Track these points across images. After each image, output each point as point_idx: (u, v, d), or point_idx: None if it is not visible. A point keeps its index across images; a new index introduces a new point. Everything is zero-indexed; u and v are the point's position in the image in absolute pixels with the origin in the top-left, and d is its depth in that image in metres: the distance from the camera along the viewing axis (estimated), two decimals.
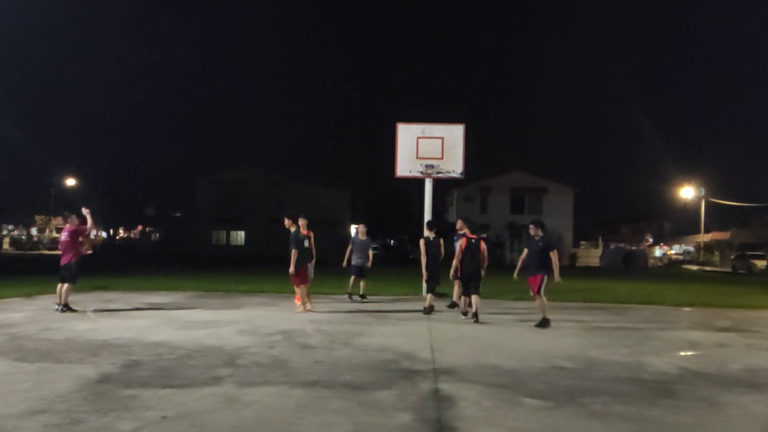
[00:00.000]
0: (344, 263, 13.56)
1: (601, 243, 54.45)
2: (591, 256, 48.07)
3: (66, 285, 10.30)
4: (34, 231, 66.78)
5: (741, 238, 48.98)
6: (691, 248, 60.33)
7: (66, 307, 10.20)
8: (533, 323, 9.40)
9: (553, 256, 9.20)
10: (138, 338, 7.68)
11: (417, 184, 15.48)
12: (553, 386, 5.54)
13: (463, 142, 14.26)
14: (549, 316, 9.34)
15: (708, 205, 51.90)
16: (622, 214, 79.75)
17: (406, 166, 14.35)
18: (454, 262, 10.36)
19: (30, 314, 9.94)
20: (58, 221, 59.99)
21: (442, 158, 14.18)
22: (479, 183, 47.40)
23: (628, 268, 38.41)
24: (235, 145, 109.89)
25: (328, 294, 14.07)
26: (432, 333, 8.66)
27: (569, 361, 6.73)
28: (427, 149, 14.19)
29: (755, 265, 38.12)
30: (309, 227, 11.73)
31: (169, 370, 5.90)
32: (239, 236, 50.93)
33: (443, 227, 12.70)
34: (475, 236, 10.33)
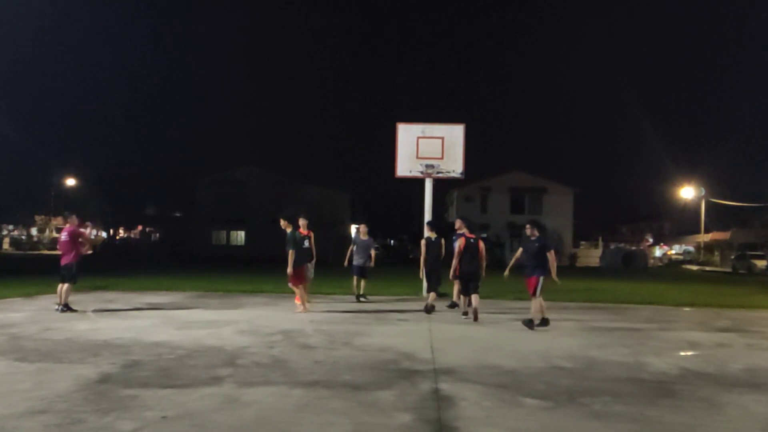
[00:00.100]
0: (345, 263, 13.55)
1: (601, 243, 54.49)
2: (591, 256, 48.09)
3: (66, 285, 10.30)
4: (34, 231, 66.74)
5: (741, 238, 49.03)
6: (691, 248, 60.34)
7: (66, 307, 10.20)
8: (535, 324, 9.34)
9: (551, 256, 9.16)
10: (138, 338, 7.68)
11: (417, 184, 15.49)
12: (553, 386, 5.53)
13: (463, 142, 14.27)
14: (538, 320, 9.12)
15: (708, 205, 51.93)
16: (622, 214, 79.77)
17: (406, 166, 14.35)
18: (454, 262, 10.38)
19: (30, 314, 9.94)
20: (58, 221, 59.96)
21: (442, 158, 14.19)
22: (479, 183, 47.39)
23: (628, 268, 38.41)
24: (235, 145, 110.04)
25: (328, 294, 14.07)
26: (432, 333, 8.66)
27: (569, 361, 6.73)
28: (427, 149, 14.20)
29: (755, 265, 38.12)
30: (309, 227, 11.74)
31: (169, 370, 5.90)
32: (239, 236, 50.94)
33: (443, 227, 12.70)
34: (473, 236, 10.37)
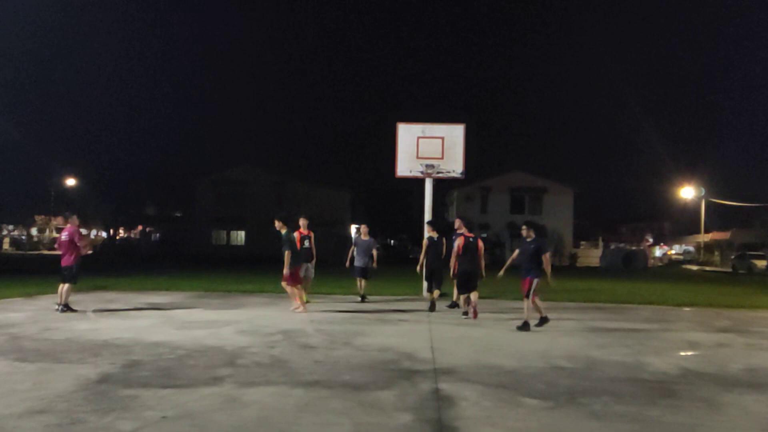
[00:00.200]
0: (347, 264, 13.50)
1: (601, 243, 54.44)
2: (591, 256, 48.05)
3: (67, 285, 10.30)
4: (34, 231, 66.70)
5: (741, 238, 48.95)
6: (691, 248, 60.34)
7: (66, 307, 10.20)
8: (533, 324, 9.36)
9: (545, 259, 9.14)
10: (138, 338, 7.68)
11: (417, 184, 15.49)
12: (553, 386, 5.53)
13: (463, 142, 14.28)
14: (535, 320, 9.11)
15: (708, 205, 51.91)
16: (622, 214, 79.83)
17: (406, 166, 14.36)
18: (452, 261, 10.54)
19: (30, 314, 9.94)
20: (58, 221, 59.93)
21: (442, 158, 14.19)
22: (479, 183, 47.40)
23: (628, 268, 38.40)
24: (235, 145, 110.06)
25: (329, 294, 14.07)
26: (432, 333, 8.67)
27: (569, 361, 6.73)
28: (427, 149, 14.20)
29: (755, 265, 38.11)
30: (309, 227, 11.73)
31: (169, 370, 5.90)
32: (239, 236, 50.95)
33: (443, 227, 12.72)
34: (472, 235, 10.56)
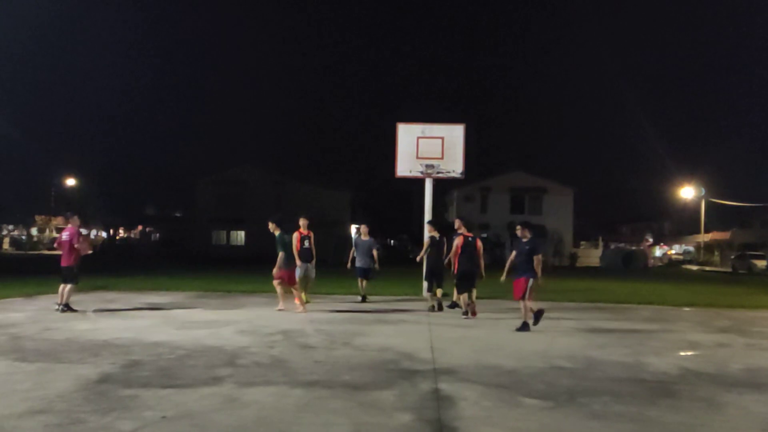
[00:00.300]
0: (348, 265, 13.44)
1: (601, 243, 54.44)
2: (591, 256, 48.02)
3: (68, 285, 10.30)
4: (34, 231, 66.72)
5: (741, 238, 48.98)
6: (691, 248, 60.29)
7: (66, 307, 10.20)
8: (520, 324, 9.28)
9: (536, 260, 9.02)
10: (138, 338, 7.68)
11: (417, 184, 15.49)
12: (553, 386, 5.54)
13: (463, 142, 14.28)
14: (532, 320, 9.06)
15: (708, 205, 51.88)
16: (622, 214, 79.63)
17: (406, 166, 14.35)
18: (453, 261, 10.65)
19: (30, 314, 9.94)
20: (58, 221, 59.96)
21: (442, 158, 14.19)
22: (479, 183, 47.39)
23: (628, 268, 38.41)
24: (235, 145, 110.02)
25: (329, 294, 14.07)
26: (432, 333, 8.67)
27: (569, 361, 6.73)
28: (427, 149, 14.19)
29: (755, 265, 38.12)
30: (309, 228, 11.73)
31: (169, 370, 5.90)
32: (239, 236, 50.91)
33: (442, 227, 12.72)
34: (471, 234, 10.71)
